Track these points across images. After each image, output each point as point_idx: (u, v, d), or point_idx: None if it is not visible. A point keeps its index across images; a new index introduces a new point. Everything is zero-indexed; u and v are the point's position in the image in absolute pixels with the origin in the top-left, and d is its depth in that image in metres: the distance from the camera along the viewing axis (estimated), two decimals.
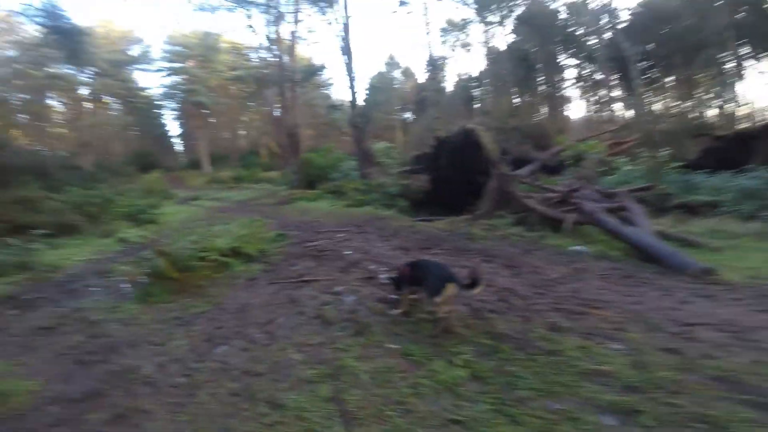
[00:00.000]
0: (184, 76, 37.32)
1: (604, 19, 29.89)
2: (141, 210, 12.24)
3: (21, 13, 12.17)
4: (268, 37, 22.53)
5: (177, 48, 36.95)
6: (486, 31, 35.91)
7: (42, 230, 8.65)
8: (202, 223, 11.21)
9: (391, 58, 47.50)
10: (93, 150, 32.33)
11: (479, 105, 37.90)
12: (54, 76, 29.33)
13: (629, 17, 29.66)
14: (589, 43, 32.30)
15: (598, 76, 34.14)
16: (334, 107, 44.01)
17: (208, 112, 39.24)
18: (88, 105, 34.79)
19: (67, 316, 4.83)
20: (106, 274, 6.65)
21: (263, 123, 45.38)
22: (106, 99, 36.13)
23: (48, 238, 8.76)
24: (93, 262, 7.67)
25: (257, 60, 31.07)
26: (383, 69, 46.49)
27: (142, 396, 3.03)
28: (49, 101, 33.73)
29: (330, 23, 21.40)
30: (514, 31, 35.64)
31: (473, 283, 3.73)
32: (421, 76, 45.87)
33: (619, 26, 28.67)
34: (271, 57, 23.61)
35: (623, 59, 25.27)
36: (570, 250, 7.25)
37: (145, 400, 2.97)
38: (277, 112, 23.80)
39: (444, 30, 39.32)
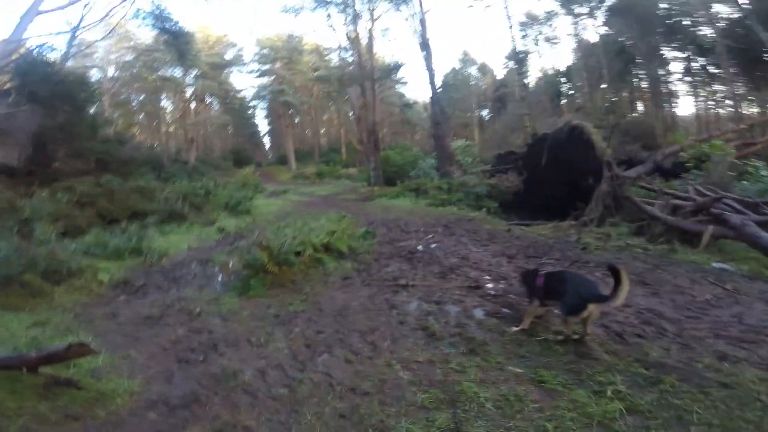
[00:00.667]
0: (273, 77, 39.58)
1: (720, 5, 25.38)
2: (238, 201, 12.88)
3: (135, 17, 13.44)
4: (347, 36, 22.74)
5: (265, 51, 39.29)
6: (574, 24, 32.78)
7: (155, 217, 9.32)
8: (292, 216, 11.46)
9: (466, 54, 45.56)
10: (197, 146, 35.68)
11: (567, 101, 34.86)
12: (165, 78, 32.81)
13: None
14: (702, 32, 27.73)
15: (714, 69, 29.19)
16: (408, 105, 43.51)
17: (293, 111, 41.23)
18: (193, 105, 38.45)
19: (170, 306, 4.89)
20: (207, 262, 6.84)
21: (343, 121, 46.70)
22: (208, 99, 39.61)
23: (159, 225, 9.44)
24: (196, 250, 8.01)
25: (338, 60, 31.82)
26: (457, 66, 44.83)
27: (243, 407, 2.75)
28: (161, 102, 38.02)
29: (406, 19, 20.79)
30: (606, 23, 32.00)
31: (614, 290, 3.07)
32: (500, 72, 43.49)
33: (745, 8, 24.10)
34: (350, 56, 23.88)
35: (748, 48, 21.14)
36: (713, 267, 5.91)
37: (246, 413, 2.69)
38: (355, 110, 23.93)
39: (524, 24, 36.66)
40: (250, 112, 46.19)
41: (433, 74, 20.27)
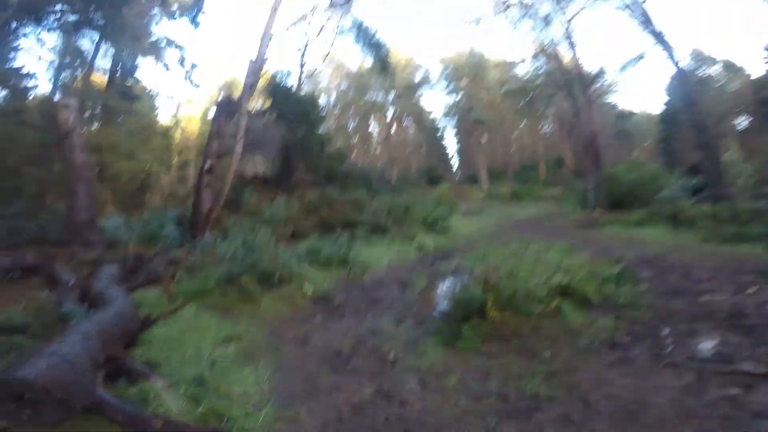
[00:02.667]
0: (460, 95, 38.98)
1: None
2: (435, 219, 12.00)
3: (340, 33, 14.50)
4: (539, 42, 19.23)
5: (448, 70, 39.09)
6: None
7: (363, 228, 9.14)
8: (496, 239, 9.72)
9: (698, 52, 33.60)
10: (396, 165, 38.29)
11: None
12: (372, 102, 36.50)
13: None
14: None
15: None
16: (625, 116, 35.18)
17: (483, 127, 39.55)
18: (393, 128, 41.67)
19: (363, 341, 3.83)
20: (407, 287, 5.75)
21: (539, 137, 42.10)
22: (405, 122, 42.21)
23: (366, 236, 9.21)
24: (395, 267, 7.18)
25: (529, 71, 28.56)
26: (687, 66, 33.41)
27: None
28: (369, 126, 42.69)
29: (625, 8, 15.88)
30: None
31: None
32: (757, 69, 30.21)
33: None
34: (542, 65, 20.40)
35: None
36: None
37: None
38: (565, 122, 20.15)
39: None
40: (439, 133, 47.11)
41: (683, 71, 15.06)
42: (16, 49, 11.93)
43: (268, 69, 13.73)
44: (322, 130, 16.67)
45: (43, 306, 3.50)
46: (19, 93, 12.61)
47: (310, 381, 3.03)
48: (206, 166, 9.67)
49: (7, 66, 11.75)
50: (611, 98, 35.38)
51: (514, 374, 3.19)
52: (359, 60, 28.49)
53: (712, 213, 9.43)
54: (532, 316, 3.92)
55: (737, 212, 8.96)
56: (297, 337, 3.89)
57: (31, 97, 13.34)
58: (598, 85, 19.30)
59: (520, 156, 46.14)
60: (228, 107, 10.60)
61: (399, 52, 40.13)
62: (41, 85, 14.93)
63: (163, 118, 28.35)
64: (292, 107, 14.29)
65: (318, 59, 21.26)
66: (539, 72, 31.66)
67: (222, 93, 10.61)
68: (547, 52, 19.20)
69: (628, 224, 10.67)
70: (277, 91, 14.67)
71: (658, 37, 15.45)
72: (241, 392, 2.55)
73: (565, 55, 18.60)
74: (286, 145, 14.71)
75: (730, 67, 33.60)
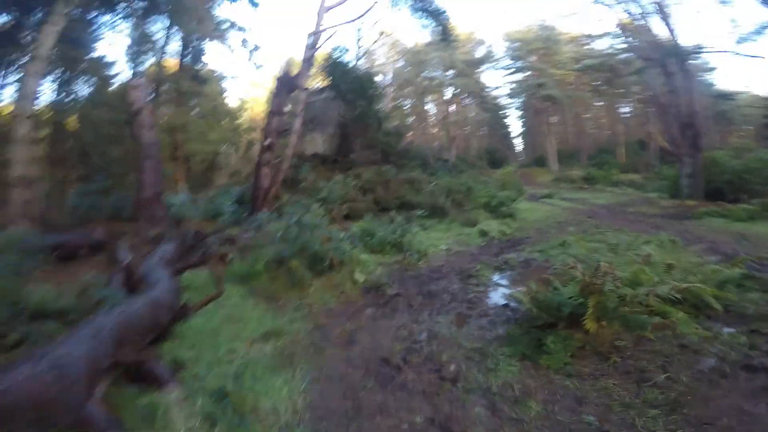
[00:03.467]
0: (530, 72, 35.65)
1: None
2: (500, 203, 10.93)
3: (394, 5, 13.31)
4: (629, 13, 16.19)
5: (516, 44, 35.72)
6: None
7: (420, 211, 8.49)
8: (569, 227, 8.52)
9: None
10: (456, 145, 36.60)
11: None
12: (430, 78, 34.76)
13: None
14: None
15: None
16: (726, 96, 29.81)
17: (554, 106, 36.09)
18: (453, 106, 39.60)
19: (417, 348, 3.22)
20: (469, 277, 5.03)
21: (615, 118, 37.72)
22: (465, 100, 39.83)
23: (422, 219, 8.58)
24: (456, 255, 6.44)
25: (610, 46, 25.06)
26: None
27: None
28: (426, 105, 41.00)
29: None
30: None
31: None
32: None
33: None
34: (632, 37, 17.38)
35: None
36: None
37: None
38: (658, 98, 17.21)
39: None
40: (502, 112, 43.93)
41: None
42: (97, 38, 12.72)
43: (326, 46, 13.36)
44: (379, 107, 15.99)
45: (87, 288, 3.35)
46: (104, 81, 13.52)
47: (351, 397, 2.52)
48: (265, 143, 9.56)
49: (90, 55, 12.57)
50: (709, 76, 30.46)
51: (618, 403, 2.43)
52: (416, 36, 27.11)
53: None
54: (644, 329, 3.04)
55: None
56: (342, 336, 3.41)
57: (114, 84, 14.30)
58: (698, 59, 16.20)
59: (595, 138, 41.96)
60: (287, 84, 10.35)
61: (459, 27, 37.81)
62: (122, 72, 15.96)
63: (232, 100, 29.64)
64: (349, 84, 13.79)
65: (374, 35, 20.44)
66: (623, 46, 27.94)
67: (282, 71, 10.35)
68: (635, 24, 16.44)
69: (734, 217, 8.76)
70: (334, 67, 14.22)
71: None
72: (270, 408, 2.10)
73: (658, 27, 15.79)
74: (344, 123, 14.35)
75: None
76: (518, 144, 50.09)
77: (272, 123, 9.84)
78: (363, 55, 23.47)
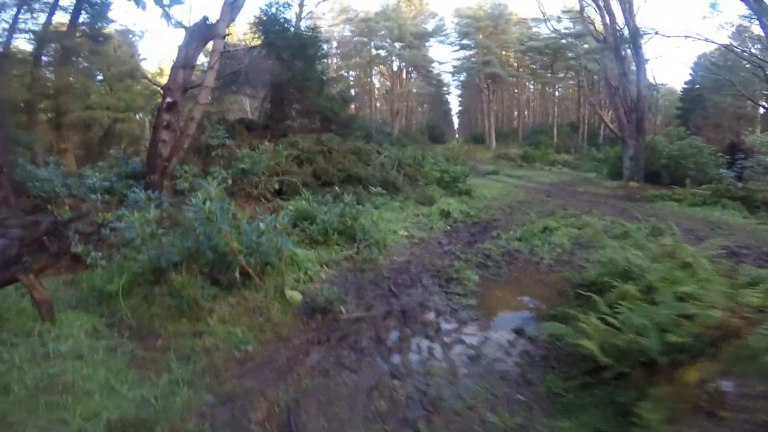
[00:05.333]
0: (476, 50, 35.24)
1: None
2: (454, 178, 9.75)
3: None
4: None
5: (466, 20, 35.12)
6: None
7: (376, 188, 6.91)
8: (538, 208, 7.57)
9: (742, 28, 29.93)
10: (399, 119, 35.19)
11: None
12: (378, 46, 32.76)
13: None
14: None
15: None
16: (653, 87, 32.07)
17: (495, 85, 36.14)
18: (398, 79, 37.93)
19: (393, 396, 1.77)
20: (450, 279, 3.66)
21: (549, 100, 39.13)
22: (411, 73, 38.33)
23: (373, 196, 7.05)
24: (421, 245, 5.02)
25: (556, 30, 25.42)
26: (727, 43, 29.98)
27: None
28: (371, 77, 38.78)
29: None
30: None
31: None
32: None
33: None
34: (581, 22, 17.29)
35: None
36: None
37: None
38: (610, 81, 17.03)
39: None
40: (444, 88, 43.45)
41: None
42: None
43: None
44: (321, 69, 13.76)
45: None
46: None
47: None
48: (166, 103, 7.17)
49: None
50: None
51: None
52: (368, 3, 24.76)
53: None
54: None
55: None
56: (270, 423, 1.80)
57: None
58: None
59: (531, 119, 43.29)
60: (201, 32, 7.90)
61: None
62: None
63: (150, 64, 24.97)
64: (287, 41, 11.47)
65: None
66: (570, 30, 28.13)
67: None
68: (592, 6, 15.89)
69: (687, 202, 8.52)
70: (270, 23, 11.73)
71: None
72: None
73: (616, 8, 15.39)
74: (278, 85, 12.02)
75: None
76: (455, 122, 50.37)
77: (177, 78, 7.43)
78: (307, 15, 20.51)
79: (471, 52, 36.17)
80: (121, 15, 42.85)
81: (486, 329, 2.73)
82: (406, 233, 5.45)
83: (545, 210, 7.41)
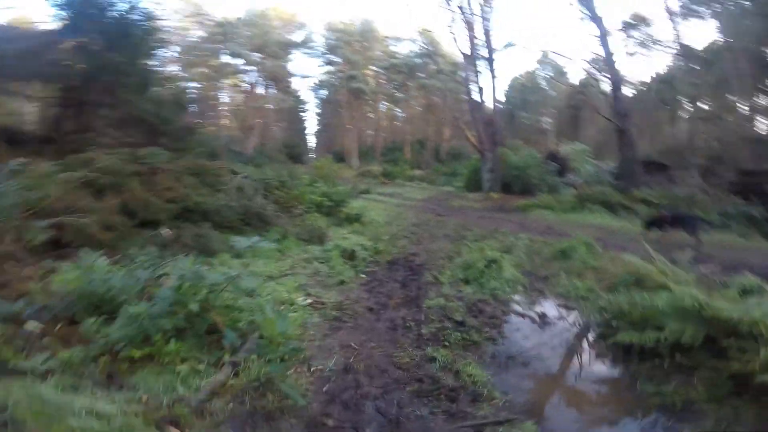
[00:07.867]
0: (342, 65, 35.02)
1: None
2: (337, 202, 7.92)
3: None
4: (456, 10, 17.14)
5: (336, 35, 34.98)
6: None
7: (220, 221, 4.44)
8: (437, 233, 6.40)
9: (545, 56, 38.74)
10: (253, 136, 31.51)
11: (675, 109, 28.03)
12: (233, 53, 28.97)
13: None
14: None
15: None
16: (476, 105, 37.80)
17: (358, 101, 36.27)
18: (254, 91, 34.40)
19: None
20: (436, 384, 1.81)
21: (402, 119, 41.52)
22: (268, 86, 35.32)
23: (226, 235, 4.61)
24: (336, 317, 2.98)
25: (413, 49, 27.29)
26: (534, 68, 38.33)
27: None
28: (218, 91, 34.08)
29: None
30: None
31: None
32: (577, 77, 36.65)
33: None
34: (421, 46, 18.71)
35: None
36: None
37: None
38: (470, 97, 18.05)
39: (627, 24, 29.70)
40: (302, 105, 41.88)
41: (611, 54, 14.48)
42: None
43: None
44: (148, 62, 9.89)
45: None
46: None
47: None
48: None
49: None
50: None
51: None
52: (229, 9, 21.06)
53: (642, 198, 8.37)
54: None
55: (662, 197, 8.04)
56: None
57: None
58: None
59: (386, 137, 44.78)
60: None
61: (278, 8, 33.26)
62: None
63: None
64: (105, 27, 7.72)
65: None
66: (421, 51, 29.81)
67: None
68: (461, 23, 16.59)
69: (558, 209, 8.94)
70: (83, 4, 7.72)
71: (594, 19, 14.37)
72: None
73: (477, 28, 16.39)
74: (81, 84, 8.02)
75: (559, 71, 37.46)
76: (311, 140, 48.78)
77: None
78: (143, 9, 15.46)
79: (336, 68, 35.61)
80: None
81: None
82: (308, 300, 3.31)
83: (452, 234, 6.35)
